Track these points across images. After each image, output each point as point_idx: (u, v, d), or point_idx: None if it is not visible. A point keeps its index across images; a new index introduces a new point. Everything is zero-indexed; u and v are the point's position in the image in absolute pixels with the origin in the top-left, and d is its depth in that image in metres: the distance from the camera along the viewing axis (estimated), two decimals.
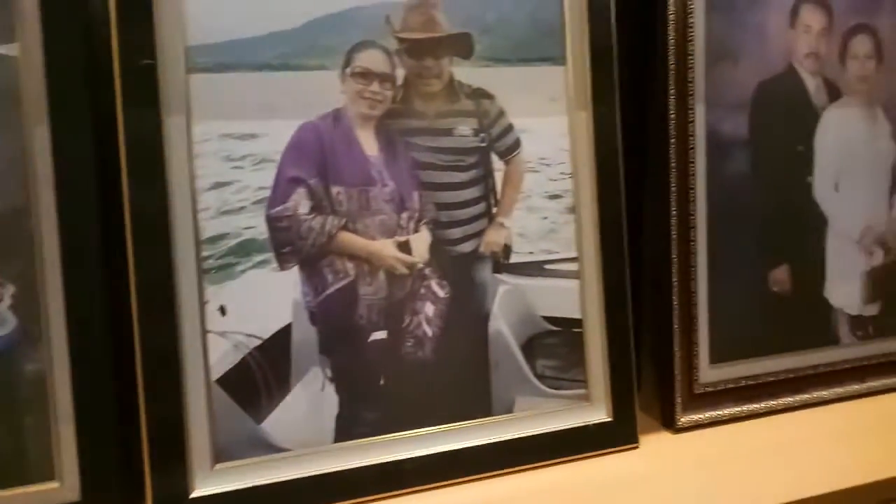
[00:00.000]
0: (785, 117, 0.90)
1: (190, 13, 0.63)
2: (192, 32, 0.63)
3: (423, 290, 0.71)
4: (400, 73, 0.70)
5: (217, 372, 0.65)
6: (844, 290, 0.95)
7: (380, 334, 0.70)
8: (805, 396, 0.90)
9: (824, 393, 0.92)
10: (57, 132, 0.60)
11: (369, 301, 0.69)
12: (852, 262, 0.95)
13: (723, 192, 0.86)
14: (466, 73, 0.73)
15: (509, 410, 0.75)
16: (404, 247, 0.71)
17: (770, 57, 0.88)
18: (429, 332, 0.72)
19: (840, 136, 0.94)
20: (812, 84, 0.91)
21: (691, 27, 0.81)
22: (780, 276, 0.91)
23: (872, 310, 0.97)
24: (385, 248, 0.70)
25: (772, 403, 0.89)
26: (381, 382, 0.70)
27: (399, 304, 0.71)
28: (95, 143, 0.62)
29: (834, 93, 0.92)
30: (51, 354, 0.62)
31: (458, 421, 0.73)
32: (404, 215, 0.71)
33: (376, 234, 0.70)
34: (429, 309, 0.72)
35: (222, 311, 0.65)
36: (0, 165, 0.60)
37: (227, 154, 0.65)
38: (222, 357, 0.65)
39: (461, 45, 0.72)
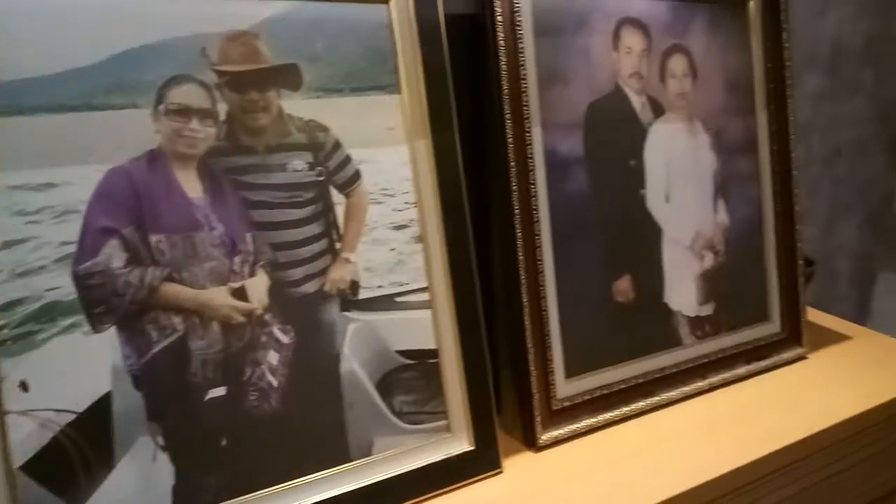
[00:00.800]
0: (616, 134, 0.92)
1: None
2: None
3: (264, 338, 0.65)
4: (222, 109, 0.64)
5: (21, 457, 0.55)
6: (681, 293, 0.98)
7: (218, 391, 0.63)
8: (655, 399, 0.93)
9: (672, 393, 0.94)
10: None
11: (203, 356, 0.62)
12: (686, 267, 0.99)
13: (565, 211, 0.86)
14: (297, 105, 0.68)
15: (368, 453, 0.70)
16: (239, 293, 0.64)
17: (598, 78, 0.90)
18: (274, 381, 0.66)
19: (666, 149, 0.97)
20: (638, 102, 0.94)
21: (521, 52, 0.81)
22: (624, 286, 0.92)
23: (707, 310, 1.01)
24: (217, 296, 0.63)
25: (625, 410, 0.90)
26: (224, 443, 0.63)
27: (238, 355, 0.64)
28: None
29: (658, 109, 0.96)
30: None
31: (314, 472, 0.67)
32: (237, 259, 0.64)
33: (206, 283, 0.63)
34: (272, 357, 0.65)
35: (24, 386, 0.55)
36: None
37: (19, 208, 0.56)
38: (26, 439, 0.55)
39: (288, 77, 0.67)
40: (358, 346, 0.70)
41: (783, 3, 1.07)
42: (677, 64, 0.99)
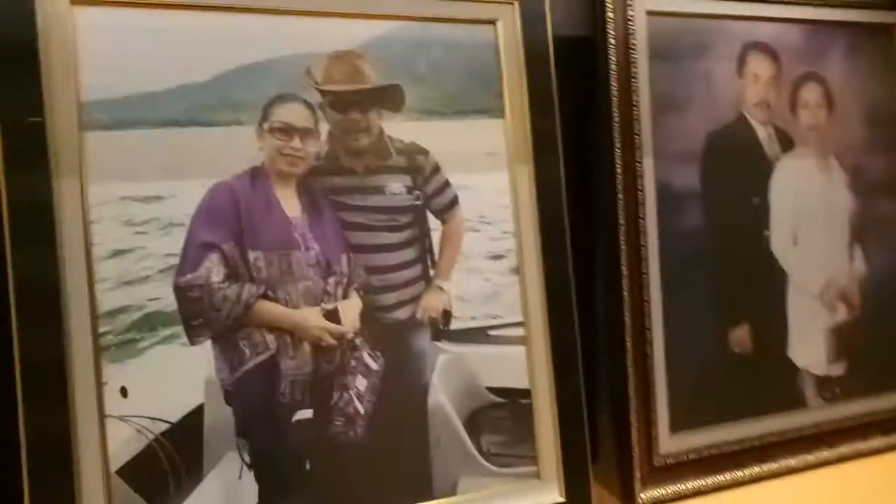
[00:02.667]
0: (738, 168, 0.91)
1: (84, 66, 0.61)
2: (86, 87, 0.61)
3: (353, 363, 0.68)
4: (324, 128, 0.69)
5: (117, 461, 0.61)
6: (809, 348, 0.94)
7: (305, 413, 0.66)
8: (772, 465, 0.89)
9: (791, 461, 0.90)
10: None
11: (292, 376, 0.66)
12: (815, 319, 0.95)
13: (676, 249, 0.86)
14: (398, 126, 0.72)
15: (452, 493, 0.72)
16: (332, 315, 0.68)
17: (719, 106, 0.90)
18: (360, 408, 0.68)
19: (795, 186, 0.95)
20: (763, 133, 0.93)
21: (634, 77, 0.82)
22: (741, 336, 0.90)
23: (839, 369, 0.96)
24: (310, 317, 0.67)
25: (738, 474, 0.87)
26: (308, 467, 0.66)
27: (326, 378, 0.68)
28: None
29: (786, 142, 0.94)
30: None
31: None
32: (331, 280, 0.68)
33: (300, 302, 0.67)
34: (360, 383, 0.68)
35: (123, 392, 0.61)
36: None
37: (128, 218, 0.62)
38: (123, 444, 0.61)
39: (391, 98, 0.71)
40: (447, 378, 0.72)
41: None
42: (811, 93, 0.97)
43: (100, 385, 0.60)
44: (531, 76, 0.78)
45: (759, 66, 0.93)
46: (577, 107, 0.85)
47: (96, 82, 0.61)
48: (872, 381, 0.98)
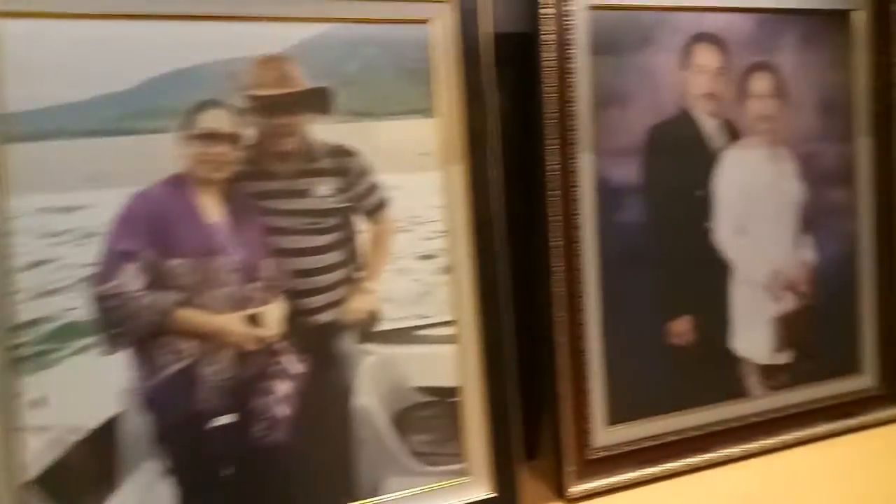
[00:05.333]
0: (681, 161, 0.91)
1: (8, 77, 0.61)
2: (9, 98, 0.61)
3: (276, 367, 0.70)
4: (250, 133, 0.69)
5: (32, 471, 0.62)
6: (752, 338, 0.96)
7: (225, 418, 0.68)
8: (712, 455, 0.91)
9: (733, 450, 0.92)
10: None
11: (213, 382, 0.67)
12: (760, 309, 0.96)
13: (616, 244, 0.86)
14: (326, 129, 0.72)
15: (377, 493, 0.73)
16: (254, 320, 0.69)
17: (661, 100, 0.90)
18: (283, 412, 0.70)
19: (741, 178, 0.95)
20: (709, 125, 0.92)
21: (570, 73, 0.82)
22: (682, 327, 0.91)
23: (784, 358, 0.98)
24: (231, 322, 0.68)
25: (676, 465, 0.89)
26: (229, 472, 0.68)
27: (248, 383, 0.69)
28: None
29: (734, 133, 0.94)
30: None
31: None
32: (254, 286, 0.69)
33: (222, 308, 0.68)
34: (283, 387, 0.70)
35: (39, 403, 0.62)
36: None
37: (45, 230, 0.63)
38: (38, 454, 0.62)
39: (318, 101, 0.71)
40: (374, 380, 0.73)
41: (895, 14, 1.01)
42: (761, 83, 0.96)
43: (12, 397, 0.62)
44: (464, 74, 0.77)
45: (706, 57, 0.92)
46: (517, 105, 0.85)
47: (19, 93, 0.62)
48: (819, 369, 1.00)
